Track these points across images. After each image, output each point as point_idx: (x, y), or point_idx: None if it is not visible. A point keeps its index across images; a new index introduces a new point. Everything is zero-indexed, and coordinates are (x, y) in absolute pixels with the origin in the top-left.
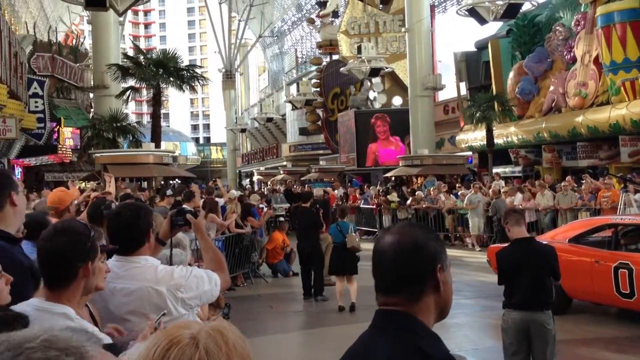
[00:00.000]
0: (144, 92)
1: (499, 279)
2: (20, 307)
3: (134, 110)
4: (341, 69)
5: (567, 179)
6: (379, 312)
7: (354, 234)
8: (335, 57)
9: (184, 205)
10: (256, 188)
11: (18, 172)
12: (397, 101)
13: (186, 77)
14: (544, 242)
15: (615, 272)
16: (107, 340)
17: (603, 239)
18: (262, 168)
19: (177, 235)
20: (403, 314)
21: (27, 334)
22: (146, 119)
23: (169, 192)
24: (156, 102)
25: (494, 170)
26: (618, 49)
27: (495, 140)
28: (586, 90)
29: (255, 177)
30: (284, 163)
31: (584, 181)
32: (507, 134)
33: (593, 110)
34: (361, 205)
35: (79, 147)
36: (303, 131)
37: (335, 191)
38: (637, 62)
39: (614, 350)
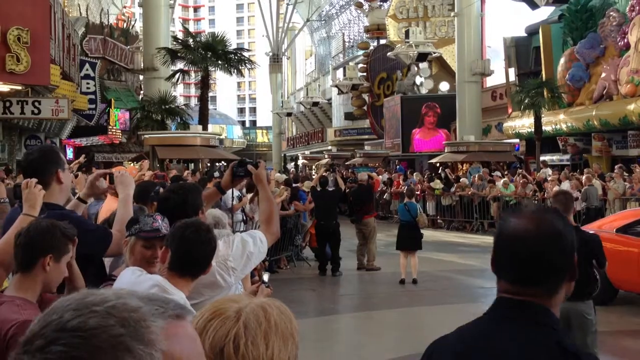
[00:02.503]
0: (193, 74)
1: None
2: None
3: (182, 93)
4: (388, 53)
5: (616, 167)
6: (508, 301)
7: (423, 213)
8: (382, 41)
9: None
10: (300, 171)
11: (70, 152)
12: (444, 87)
13: (234, 60)
14: (590, 232)
15: None
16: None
17: None
18: (307, 152)
19: (216, 214)
20: (540, 307)
21: (106, 296)
22: (194, 101)
23: (216, 174)
24: (204, 85)
25: (542, 158)
26: None
27: (544, 128)
28: (639, 78)
29: (300, 161)
30: (329, 147)
31: (634, 171)
32: (555, 121)
33: None
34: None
35: (128, 128)
36: (348, 116)
37: (380, 176)
38: None
39: None
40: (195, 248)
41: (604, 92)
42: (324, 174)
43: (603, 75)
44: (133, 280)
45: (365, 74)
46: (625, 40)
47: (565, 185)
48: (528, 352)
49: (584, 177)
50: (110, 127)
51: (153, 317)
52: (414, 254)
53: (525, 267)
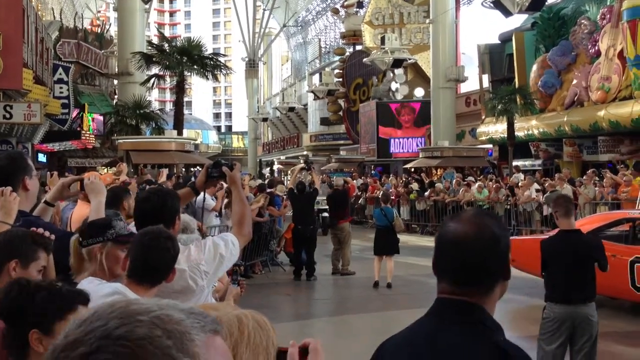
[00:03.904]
0: (168, 79)
1: (542, 268)
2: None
3: (157, 98)
4: (364, 59)
5: (587, 172)
6: (448, 301)
7: (399, 217)
8: (358, 47)
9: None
10: (274, 176)
11: (42, 157)
12: (419, 93)
13: (210, 65)
14: (590, 235)
15: (632, 266)
16: None
17: (620, 233)
18: (282, 157)
19: (184, 219)
20: (475, 306)
21: (149, 306)
22: (169, 106)
23: (193, 179)
24: (179, 89)
25: (514, 164)
26: None
27: (516, 134)
28: (609, 85)
29: (276, 166)
30: (305, 152)
31: (605, 176)
32: (528, 127)
33: (615, 104)
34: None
35: (102, 133)
36: (324, 121)
37: (354, 181)
38: None
39: (627, 344)
40: (152, 255)
41: (575, 98)
42: (298, 174)
43: (574, 82)
44: (93, 288)
45: (341, 79)
46: (596, 48)
47: (533, 190)
48: (467, 350)
49: (551, 182)
50: (83, 132)
51: (195, 330)
52: (390, 258)
53: (464, 270)
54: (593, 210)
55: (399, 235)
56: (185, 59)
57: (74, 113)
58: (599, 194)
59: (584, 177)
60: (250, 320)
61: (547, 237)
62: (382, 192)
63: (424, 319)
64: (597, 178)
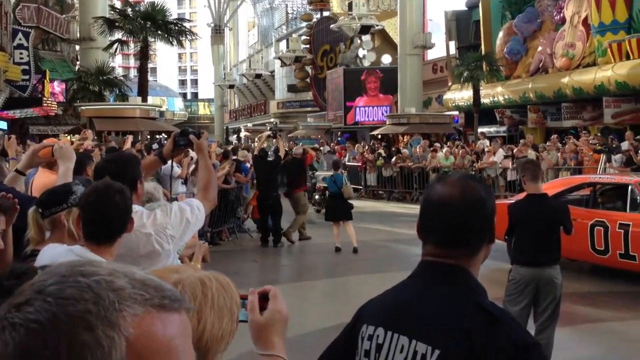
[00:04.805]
0: (132, 45)
1: (507, 231)
2: None
3: (120, 64)
4: (331, 25)
5: (552, 138)
6: (433, 264)
7: (349, 184)
8: (326, 13)
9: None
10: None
11: (3, 124)
12: (386, 59)
13: (174, 31)
14: (556, 199)
15: (592, 230)
16: None
17: (581, 198)
18: (249, 124)
19: (148, 188)
20: (460, 268)
21: (98, 270)
22: (133, 73)
23: (155, 146)
24: (143, 55)
25: (479, 130)
26: (607, 11)
27: (482, 100)
28: (573, 52)
29: (243, 134)
30: (272, 120)
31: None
32: (493, 94)
33: (579, 71)
34: (347, 163)
35: (64, 100)
36: (291, 88)
37: (322, 148)
38: (625, 24)
39: (586, 304)
40: (102, 214)
41: (540, 65)
42: (265, 142)
43: (539, 49)
44: (52, 254)
45: (308, 46)
46: (561, 15)
47: (499, 155)
48: (452, 312)
49: (516, 149)
50: (45, 98)
51: (131, 301)
52: (348, 223)
53: (450, 231)
54: (556, 175)
55: (364, 202)
56: (149, 24)
57: (35, 79)
58: (561, 160)
59: (548, 143)
60: (213, 282)
61: (514, 201)
62: (332, 159)
63: (407, 281)
64: (559, 144)
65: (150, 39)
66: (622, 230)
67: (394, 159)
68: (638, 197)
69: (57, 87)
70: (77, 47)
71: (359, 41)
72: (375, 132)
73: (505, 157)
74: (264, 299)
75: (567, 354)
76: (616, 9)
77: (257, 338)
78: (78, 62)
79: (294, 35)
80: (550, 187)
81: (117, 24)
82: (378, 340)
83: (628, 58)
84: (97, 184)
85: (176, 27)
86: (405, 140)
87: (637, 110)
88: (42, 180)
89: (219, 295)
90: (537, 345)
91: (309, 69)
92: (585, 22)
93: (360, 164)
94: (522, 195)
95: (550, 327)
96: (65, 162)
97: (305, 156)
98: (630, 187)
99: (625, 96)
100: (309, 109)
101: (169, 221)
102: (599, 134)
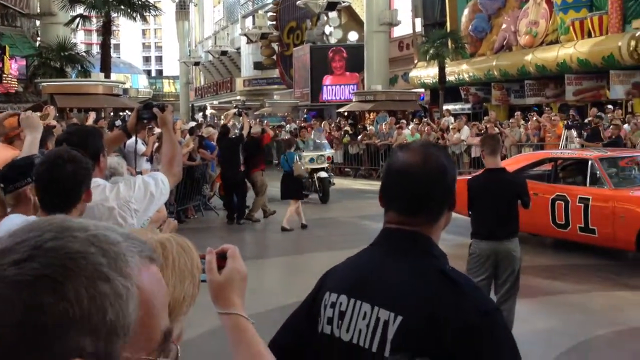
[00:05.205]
0: (94, 20)
1: (468, 207)
2: None
3: (82, 40)
4: (298, 2)
5: (515, 115)
6: (395, 231)
7: (299, 162)
8: None
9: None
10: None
11: None
12: (352, 36)
13: (137, 5)
14: (514, 173)
15: (553, 204)
16: None
17: (543, 173)
18: (215, 102)
19: (112, 163)
20: (421, 235)
21: (86, 225)
22: (96, 49)
23: (118, 122)
24: (106, 31)
25: (445, 107)
26: None
27: (447, 78)
28: (537, 29)
29: (209, 111)
30: (238, 97)
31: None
32: (459, 71)
33: (542, 49)
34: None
35: (24, 76)
36: (258, 65)
37: (288, 125)
38: (587, 2)
39: (545, 277)
40: (55, 186)
41: (504, 43)
42: (232, 119)
43: (504, 26)
44: (9, 224)
45: (274, 22)
46: None
47: (465, 132)
48: (414, 279)
49: (485, 125)
50: (4, 75)
51: (131, 253)
52: (295, 201)
53: (411, 198)
54: (519, 151)
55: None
56: None
57: None
58: (524, 136)
59: (511, 120)
60: (173, 244)
61: (472, 176)
62: (284, 140)
63: (369, 249)
64: (523, 121)
65: (113, 14)
66: (582, 204)
67: (360, 137)
68: (598, 172)
69: (15, 64)
70: (38, 23)
71: (325, 18)
72: (341, 110)
73: (478, 134)
74: (222, 258)
75: (527, 325)
76: None
77: (216, 297)
78: (39, 38)
79: (260, 12)
80: (513, 162)
81: None
82: (341, 307)
83: (590, 36)
84: (49, 153)
85: (140, 2)
86: (371, 117)
87: (598, 87)
88: (1, 155)
89: (180, 257)
90: (498, 310)
91: (275, 46)
92: (548, 0)
93: (326, 141)
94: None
95: (510, 300)
96: (32, 132)
97: (262, 136)
98: (590, 162)
99: (586, 73)
100: (276, 86)
101: (133, 195)
102: (557, 112)
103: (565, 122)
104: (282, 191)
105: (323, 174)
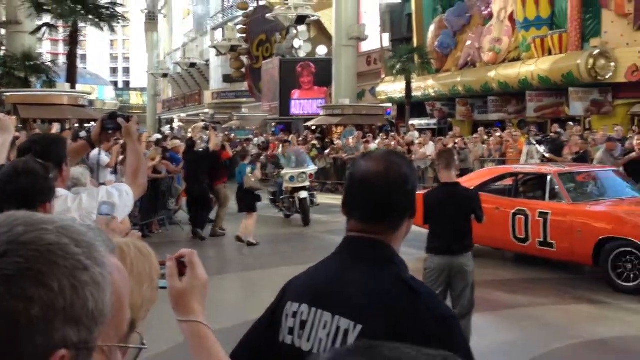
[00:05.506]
0: (61, 30)
1: (424, 220)
2: None
3: (49, 50)
4: (267, 15)
5: (478, 131)
6: (356, 239)
7: (250, 174)
8: (262, 2)
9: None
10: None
11: None
12: (321, 50)
13: (106, 15)
14: (468, 188)
15: (513, 218)
16: None
17: (505, 187)
18: (183, 115)
19: (75, 173)
20: (382, 243)
21: (48, 217)
22: (62, 59)
23: (82, 133)
24: (73, 41)
25: (411, 122)
26: (531, 7)
27: (414, 93)
28: (500, 46)
29: (176, 124)
30: (207, 110)
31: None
32: (425, 86)
33: (505, 65)
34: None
35: None
36: (227, 78)
37: (256, 139)
38: (548, 20)
39: (506, 291)
40: (7, 195)
41: (469, 59)
42: (200, 132)
43: (468, 43)
44: None
45: (244, 35)
46: (489, 10)
47: (430, 148)
48: (374, 287)
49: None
50: None
51: (99, 243)
52: (250, 215)
53: (373, 206)
54: (482, 166)
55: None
56: (79, 7)
57: None
58: (486, 152)
59: (474, 136)
60: (132, 249)
61: (428, 190)
62: (237, 152)
63: (331, 258)
64: (485, 136)
65: (80, 24)
66: (542, 219)
67: (327, 151)
68: (556, 187)
69: None
70: (3, 31)
71: (294, 31)
72: (309, 123)
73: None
74: (182, 264)
75: (487, 338)
76: (540, 5)
77: (177, 304)
78: (3, 47)
79: (230, 24)
80: (476, 177)
81: (45, 6)
82: (302, 317)
83: (550, 53)
84: (7, 166)
85: (108, 12)
86: (339, 131)
87: (558, 104)
88: None
89: (138, 262)
90: (455, 318)
91: (244, 58)
92: (511, 18)
93: None
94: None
95: (467, 316)
96: (2, 134)
97: (221, 152)
98: (549, 177)
99: (547, 90)
100: (245, 99)
101: (96, 206)
102: (516, 127)
103: (527, 137)
104: (240, 204)
105: (303, 194)
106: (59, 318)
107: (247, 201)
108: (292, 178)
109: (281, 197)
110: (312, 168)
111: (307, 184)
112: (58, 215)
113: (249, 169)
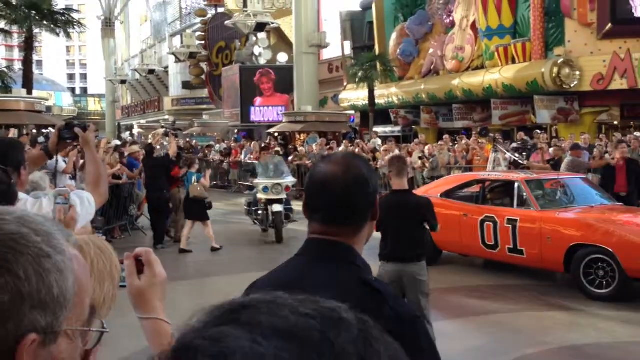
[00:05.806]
0: (16, 36)
1: (376, 228)
2: None
3: (4, 57)
4: (226, 22)
5: (444, 138)
6: (318, 241)
7: (196, 183)
8: (220, 9)
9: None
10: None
11: None
12: (282, 58)
13: (61, 21)
14: (421, 195)
15: (482, 225)
16: None
17: (472, 194)
18: (143, 121)
19: (34, 178)
20: (343, 245)
21: (5, 209)
22: (18, 65)
23: (40, 139)
24: (28, 46)
25: (374, 129)
26: (494, 16)
27: (377, 100)
28: (463, 54)
29: (136, 130)
30: (167, 117)
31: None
32: (388, 94)
33: (468, 74)
34: (243, 160)
35: None
36: (186, 85)
37: (218, 145)
38: (510, 28)
39: (476, 297)
40: None
41: (432, 67)
42: (160, 139)
43: (431, 51)
44: None
45: (203, 42)
46: (451, 19)
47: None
48: (336, 288)
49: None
50: None
51: (58, 233)
52: (205, 224)
53: (334, 209)
54: (448, 173)
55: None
56: (34, 13)
57: None
58: (452, 159)
59: (440, 143)
60: (91, 247)
61: (380, 197)
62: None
63: (293, 259)
64: (451, 144)
65: (36, 30)
66: (510, 226)
67: (290, 157)
68: (524, 194)
69: None
70: None
71: (254, 39)
72: (272, 130)
73: (420, 158)
74: (140, 263)
75: (457, 344)
76: (502, 14)
77: (137, 302)
78: None
79: (188, 31)
80: (443, 183)
81: None
82: None
83: (514, 62)
84: None
85: (63, 18)
86: (302, 138)
87: (523, 112)
88: None
89: (98, 259)
90: (419, 317)
91: (204, 65)
92: (473, 26)
93: (255, 161)
94: (416, 192)
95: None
96: None
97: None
98: (517, 184)
99: (512, 98)
100: (205, 106)
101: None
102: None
103: (494, 145)
104: (188, 212)
105: (277, 207)
106: (27, 304)
107: (197, 211)
108: (265, 189)
109: (254, 208)
110: (289, 180)
111: (283, 196)
112: (17, 208)
113: (194, 178)
